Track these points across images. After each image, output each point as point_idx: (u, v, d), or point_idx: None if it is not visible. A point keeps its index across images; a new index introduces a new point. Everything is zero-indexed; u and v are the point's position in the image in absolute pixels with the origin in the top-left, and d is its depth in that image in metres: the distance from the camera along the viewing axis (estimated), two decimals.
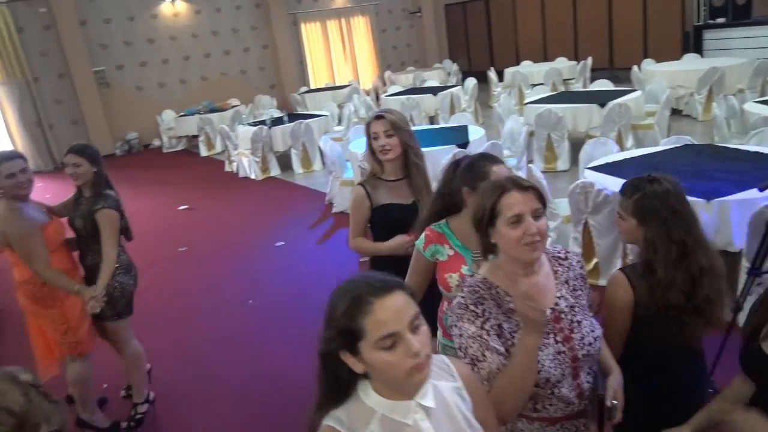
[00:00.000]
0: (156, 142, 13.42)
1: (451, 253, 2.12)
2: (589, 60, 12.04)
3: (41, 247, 2.95)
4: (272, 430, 3.26)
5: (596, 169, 4.49)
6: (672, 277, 1.80)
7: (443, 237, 2.15)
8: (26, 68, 11.97)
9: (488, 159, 2.13)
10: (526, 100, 8.78)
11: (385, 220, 2.67)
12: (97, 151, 3.27)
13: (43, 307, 3.07)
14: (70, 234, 3.24)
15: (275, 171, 9.32)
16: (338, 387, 1.23)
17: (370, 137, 2.66)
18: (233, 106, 12.52)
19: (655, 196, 1.83)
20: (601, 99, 7.47)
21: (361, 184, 2.75)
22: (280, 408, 3.38)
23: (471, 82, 10.96)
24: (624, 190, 1.93)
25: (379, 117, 2.65)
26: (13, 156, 3.05)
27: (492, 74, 12.69)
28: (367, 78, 16.52)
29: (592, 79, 10.48)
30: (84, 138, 12.59)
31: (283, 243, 6.17)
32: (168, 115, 13.05)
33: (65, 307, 3.08)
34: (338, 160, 6.79)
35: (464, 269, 2.09)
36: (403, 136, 2.61)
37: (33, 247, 2.93)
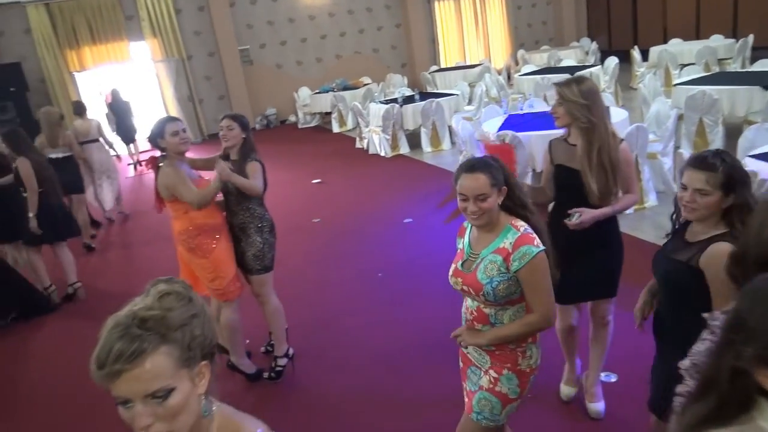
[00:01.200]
0: (292, 118, 14.12)
1: (460, 247, 2.23)
2: (750, 38, 10.89)
3: (190, 187, 3.31)
4: (403, 391, 3.38)
5: (759, 157, 4.10)
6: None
7: (464, 230, 2.25)
8: (182, 47, 13.06)
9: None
10: (675, 81, 8.16)
11: (556, 180, 2.78)
12: (248, 121, 3.62)
13: (195, 257, 3.44)
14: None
15: (404, 149, 9.45)
16: (733, 405, 1.05)
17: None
18: (365, 84, 12.81)
19: (736, 163, 1.93)
20: (764, 81, 6.76)
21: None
22: (411, 373, 3.50)
23: (612, 61, 10.37)
24: (705, 166, 1.90)
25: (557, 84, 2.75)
26: (175, 118, 3.51)
27: (636, 53, 11.89)
28: (499, 57, 16.15)
29: (753, 59, 9.50)
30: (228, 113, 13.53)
31: (411, 220, 6.27)
32: (304, 92, 13.66)
33: (213, 257, 3.42)
34: (470, 139, 6.74)
35: (458, 265, 2.16)
36: (569, 107, 2.64)
37: (183, 189, 3.29)
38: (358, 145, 10.38)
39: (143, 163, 10.07)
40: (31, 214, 4.99)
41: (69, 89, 12.19)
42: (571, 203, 2.65)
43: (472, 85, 11.22)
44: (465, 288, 2.09)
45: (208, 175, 3.46)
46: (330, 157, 9.94)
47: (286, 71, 14.22)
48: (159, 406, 1.02)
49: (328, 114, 12.66)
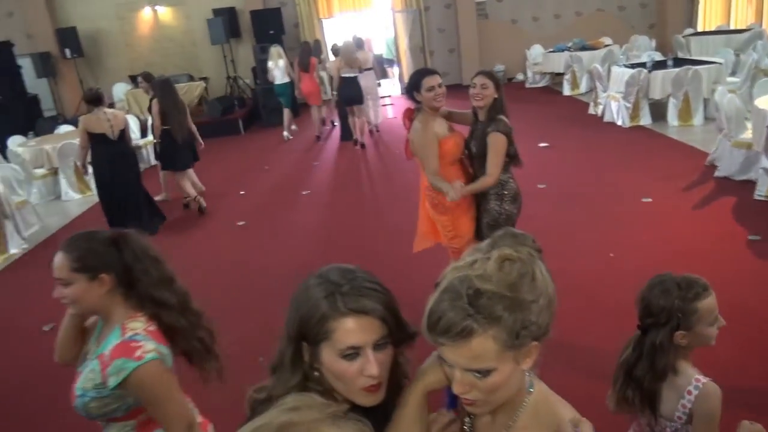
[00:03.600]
0: (519, 77, 13.65)
1: None
2: None
3: (433, 157, 3.28)
4: None
5: None
6: None
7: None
8: None
9: None
10: None
11: None
12: (500, 79, 3.41)
13: (436, 212, 3.48)
14: None
15: (645, 120, 8.57)
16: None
17: None
18: (606, 46, 11.82)
19: None
20: None
21: None
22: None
23: None
24: None
25: None
26: (433, 71, 3.39)
27: None
28: None
29: None
30: (456, 66, 13.52)
31: (650, 200, 5.69)
32: (536, 50, 13.06)
33: (453, 215, 3.42)
34: (736, 115, 5.84)
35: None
36: None
37: (426, 155, 3.29)
38: (591, 110, 9.68)
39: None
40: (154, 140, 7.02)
41: (316, 33, 13.18)
42: None
43: (738, 54, 9.70)
44: None
45: (463, 129, 3.43)
46: (559, 121, 9.42)
47: (521, 27, 13.70)
48: (478, 381, 0.98)
49: (560, 75, 11.99)
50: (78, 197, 8.34)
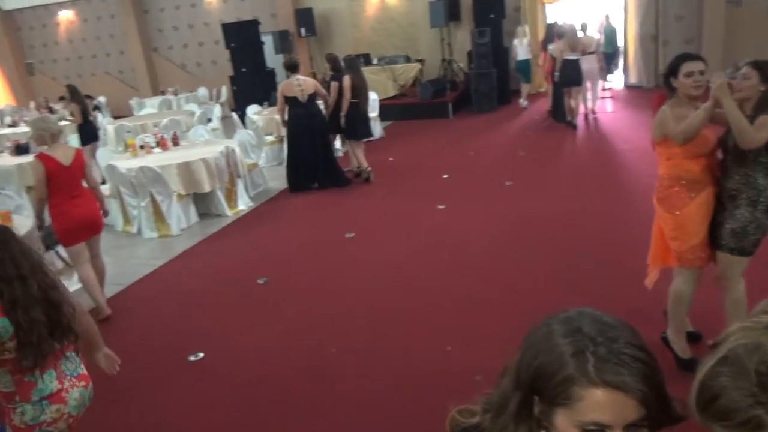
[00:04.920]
0: None
1: None
2: None
3: (675, 123, 2.95)
4: None
5: None
6: None
7: None
8: None
9: None
10: None
11: None
12: None
13: (662, 208, 3.17)
14: None
15: None
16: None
17: None
18: None
19: None
20: None
21: None
22: None
23: None
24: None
25: None
26: (697, 56, 3.04)
27: None
28: None
29: None
30: None
31: None
32: None
33: (680, 215, 3.06)
34: None
35: None
36: None
37: (673, 124, 2.95)
38: None
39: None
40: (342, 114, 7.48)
41: (538, 17, 12.69)
42: None
43: None
44: None
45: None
46: None
47: None
48: None
49: None
50: None
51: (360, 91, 7.48)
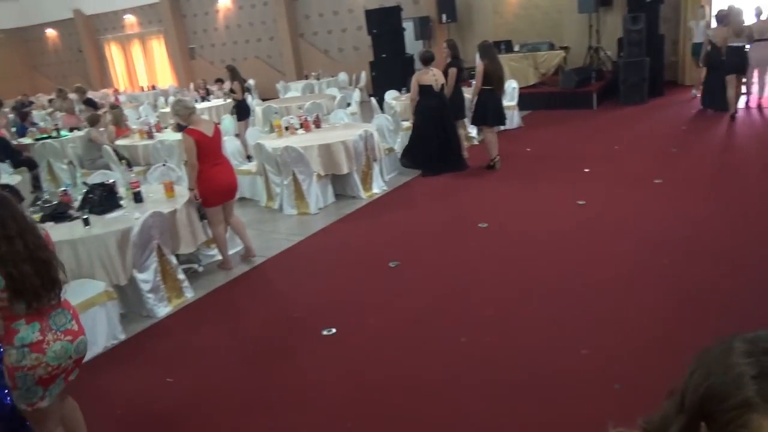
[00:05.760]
0: None
1: None
2: None
3: None
4: None
5: None
6: None
7: None
8: None
9: None
10: None
11: None
12: None
13: None
14: None
15: None
16: None
17: None
18: None
19: None
20: None
21: None
22: None
23: None
24: None
25: None
26: None
27: None
28: None
29: None
30: None
31: None
32: None
33: None
34: None
35: None
36: None
37: None
38: None
39: None
40: (472, 98, 7.72)
41: (702, 2, 11.61)
42: None
43: None
44: None
45: None
46: None
47: None
48: None
49: None
50: None
51: (494, 77, 7.41)
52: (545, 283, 4.47)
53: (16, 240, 2.45)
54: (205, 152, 5.02)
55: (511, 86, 10.19)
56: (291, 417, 3.28)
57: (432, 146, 7.67)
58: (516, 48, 12.63)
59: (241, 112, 10.14)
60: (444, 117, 7.66)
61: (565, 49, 12.46)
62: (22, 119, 11.39)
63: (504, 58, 12.37)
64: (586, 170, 7.24)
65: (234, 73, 10.14)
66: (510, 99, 10.11)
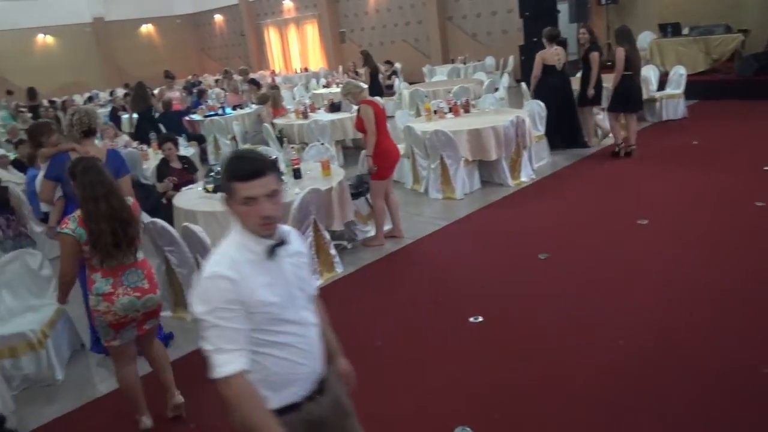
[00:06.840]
0: None
1: None
2: None
3: None
4: None
5: None
6: None
7: None
8: None
9: None
10: None
11: None
12: None
13: None
14: None
15: None
16: None
17: None
18: None
19: None
20: None
21: None
22: None
23: None
24: None
25: None
26: None
27: None
28: None
29: None
30: None
31: None
32: None
33: None
34: None
35: None
36: None
37: None
38: None
39: None
40: (606, 85, 7.65)
41: None
42: None
43: None
44: None
45: None
46: None
47: None
48: None
49: None
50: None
51: (633, 62, 7.22)
52: (722, 288, 4.06)
53: (101, 201, 2.90)
54: (382, 124, 5.34)
55: (678, 72, 9.36)
56: (438, 401, 3.29)
57: (554, 123, 7.82)
58: (685, 31, 11.56)
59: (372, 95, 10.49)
60: (566, 96, 7.85)
61: (745, 32, 11.17)
62: (200, 96, 12.64)
63: (670, 42, 11.45)
64: (766, 168, 6.47)
65: (367, 59, 10.37)
66: (676, 87, 9.31)
